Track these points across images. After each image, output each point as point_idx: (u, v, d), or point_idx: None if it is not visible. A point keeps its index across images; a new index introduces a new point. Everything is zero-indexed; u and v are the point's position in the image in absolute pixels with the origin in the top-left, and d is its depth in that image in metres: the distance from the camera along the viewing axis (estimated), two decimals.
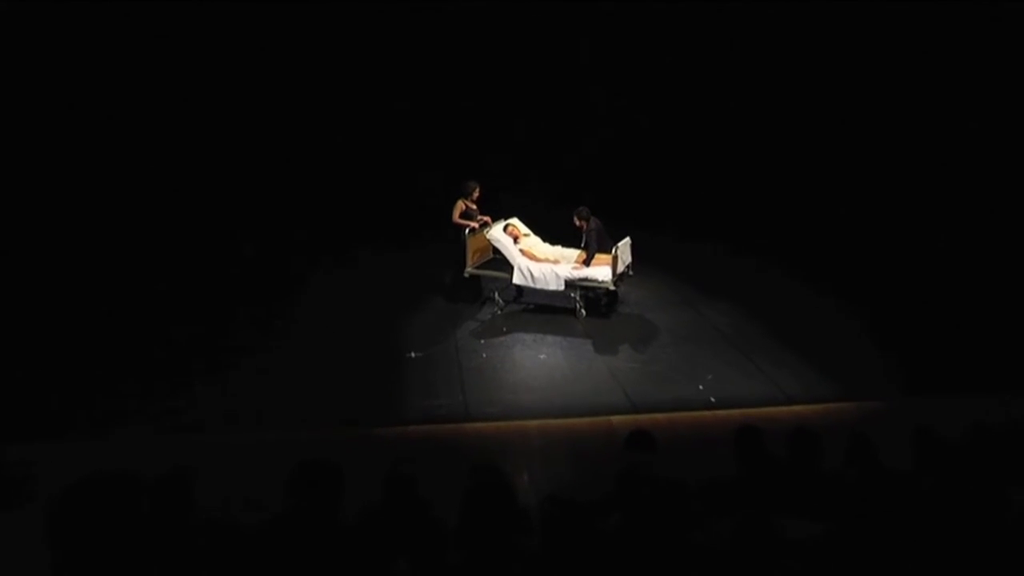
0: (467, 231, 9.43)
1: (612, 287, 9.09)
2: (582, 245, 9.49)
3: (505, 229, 9.61)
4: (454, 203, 9.56)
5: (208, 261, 10.86)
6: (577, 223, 9.39)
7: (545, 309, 9.58)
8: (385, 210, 12.99)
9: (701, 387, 7.43)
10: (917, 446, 4.39)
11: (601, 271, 9.04)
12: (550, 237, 9.92)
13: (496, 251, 9.71)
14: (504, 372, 7.80)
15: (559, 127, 13.79)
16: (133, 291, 9.56)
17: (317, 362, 7.80)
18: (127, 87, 11.08)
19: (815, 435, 4.41)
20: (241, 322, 8.83)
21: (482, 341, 8.55)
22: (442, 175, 10.67)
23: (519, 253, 9.42)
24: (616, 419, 6.67)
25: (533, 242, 9.72)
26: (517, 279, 9.26)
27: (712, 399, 7.16)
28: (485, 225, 9.74)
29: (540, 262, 9.34)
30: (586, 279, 9.10)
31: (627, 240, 9.38)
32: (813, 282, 10.36)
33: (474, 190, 9.56)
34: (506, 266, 9.43)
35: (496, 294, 9.55)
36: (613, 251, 8.94)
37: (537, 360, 8.10)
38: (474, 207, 9.66)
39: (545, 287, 9.18)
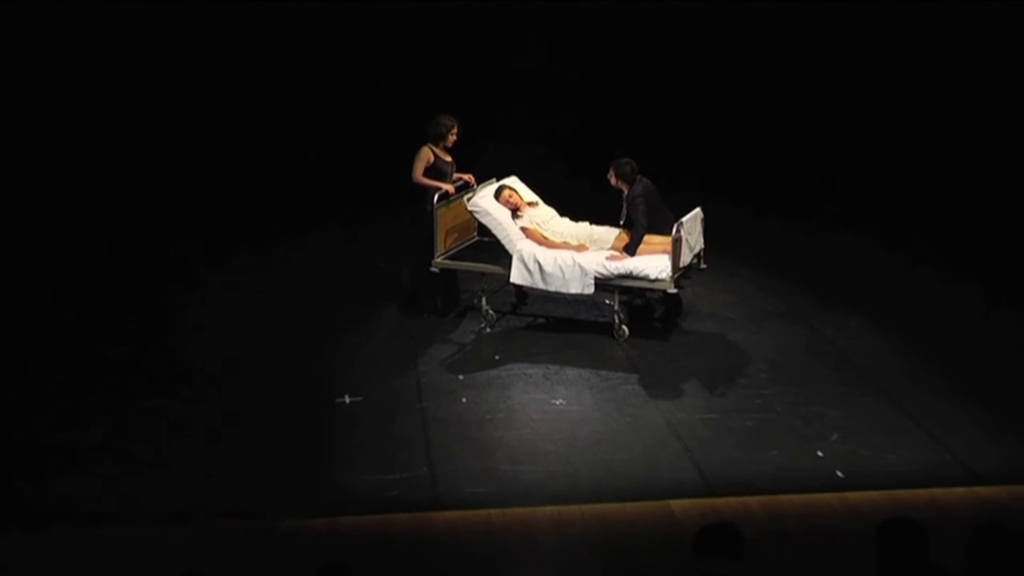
0: (436, 198, 9.37)
1: (672, 289, 9.02)
2: (622, 221, 9.43)
3: (498, 195, 9.55)
4: (417, 152, 9.51)
5: (60, 256, 11.01)
6: (614, 183, 9.33)
7: (563, 325, 9.55)
8: (311, 176, 13.27)
9: (820, 453, 7.39)
10: None
11: (654, 263, 8.97)
12: (572, 209, 9.87)
13: (483, 230, 9.67)
14: (496, 427, 7.75)
15: (591, 49, 14.13)
16: None
17: (202, 415, 7.92)
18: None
19: (1017, 537, 4.31)
20: (94, 349, 8.99)
21: (460, 377, 8.53)
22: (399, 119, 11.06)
23: (520, 233, 9.37)
24: (680, 505, 6.69)
25: (544, 216, 9.65)
26: (517, 276, 9.21)
27: (839, 473, 7.14)
28: (465, 188, 9.70)
29: (555, 248, 9.27)
30: (630, 276, 9.04)
31: (696, 213, 9.32)
32: (1000, 290, 10.37)
33: (450, 130, 9.50)
34: (500, 255, 9.38)
35: (483, 300, 9.52)
36: (674, 231, 8.86)
37: (550, 408, 8.04)
38: (448, 159, 9.62)
39: (563, 289, 9.12)
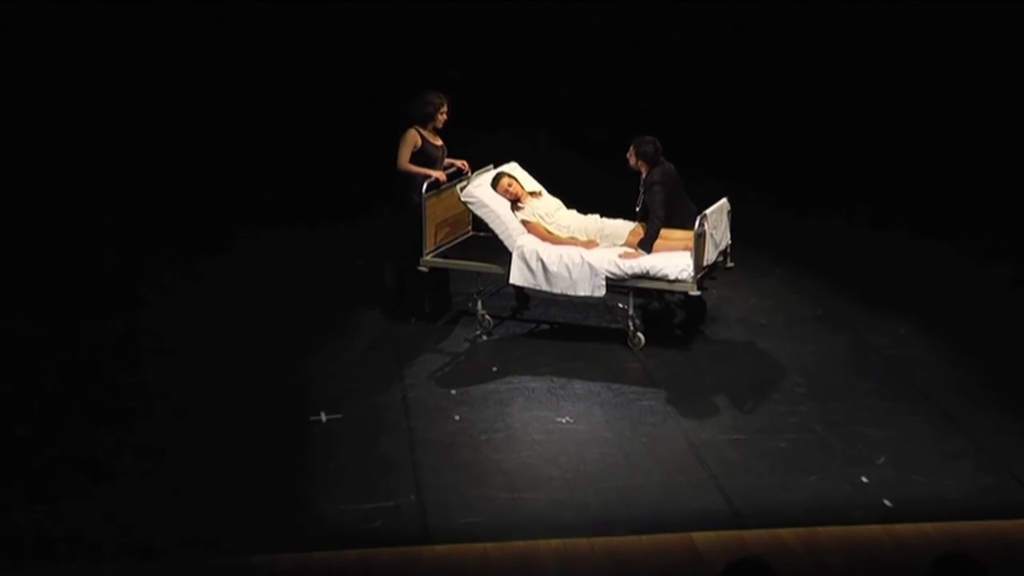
0: (425, 187, 9.38)
1: (694, 291, 9.03)
2: (637, 208, 9.45)
3: (496, 183, 9.56)
4: (403, 135, 9.51)
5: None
6: (633, 163, 9.35)
7: (570, 332, 9.58)
8: (280, 164, 13.39)
9: (865, 479, 7.38)
10: None
11: (674, 261, 8.97)
12: (580, 200, 9.89)
13: (478, 223, 9.69)
14: (493, 449, 7.75)
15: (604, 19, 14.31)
16: None
17: (160, 435, 7.92)
18: None
19: None
20: (43, 360, 9.03)
21: (453, 392, 8.55)
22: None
23: (521, 227, 9.39)
24: (704, 538, 6.68)
25: (548, 207, 9.67)
26: (518, 276, 9.23)
27: (887, 502, 7.14)
28: (459, 176, 9.73)
29: (560, 244, 9.29)
30: (647, 276, 9.04)
31: (722, 205, 9.33)
32: None
33: (439, 109, 9.50)
34: (498, 252, 9.40)
35: (479, 304, 9.54)
36: (697, 224, 8.86)
37: (555, 427, 8.04)
38: (439, 143, 9.63)
39: (570, 291, 9.14)
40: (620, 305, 9.35)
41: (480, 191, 9.43)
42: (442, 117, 9.51)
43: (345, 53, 13.95)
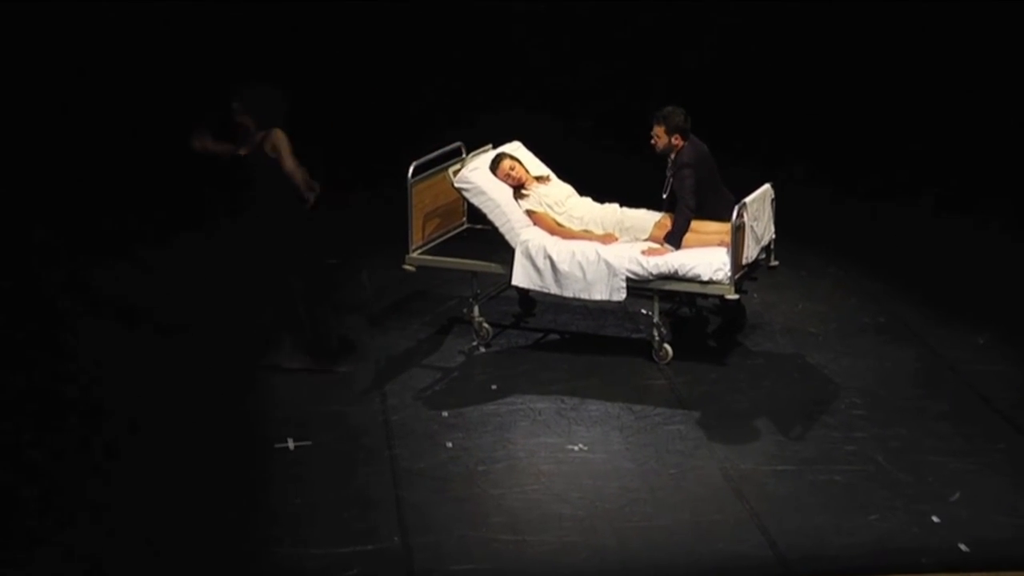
0: (412, 169, 9.43)
1: (732, 294, 9.04)
2: (665, 194, 9.49)
3: (495, 167, 9.58)
4: (278, 137, 9.36)
5: None
6: (663, 144, 9.37)
7: (584, 343, 9.62)
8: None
9: (936, 519, 7.36)
10: None
11: (707, 259, 8.98)
12: (596, 187, 9.90)
13: (475, 214, 9.73)
14: (492, 483, 7.76)
15: None
16: None
17: (100, 467, 7.90)
18: None
19: None
20: None
21: (444, 414, 8.56)
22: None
23: (526, 219, 9.43)
24: None
25: (558, 195, 9.68)
26: (522, 276, 9.27)
27: (962, 546, 7.10)
28: (452, 156, 9.76)
29: (573, 239, 9.31)
30: (675, 276, 9.05)
31: (764, 191, 9.36)
32: None
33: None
34: (498, 248, 9.43)
35: (475, 310, 9.58)
36: (734, 215, 8.86)
37: (566, 457, 8.05)
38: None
39: (583, 294, 9.17)
40: (643, 311, 9.35)
41: (477, 176, 9.44)
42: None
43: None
